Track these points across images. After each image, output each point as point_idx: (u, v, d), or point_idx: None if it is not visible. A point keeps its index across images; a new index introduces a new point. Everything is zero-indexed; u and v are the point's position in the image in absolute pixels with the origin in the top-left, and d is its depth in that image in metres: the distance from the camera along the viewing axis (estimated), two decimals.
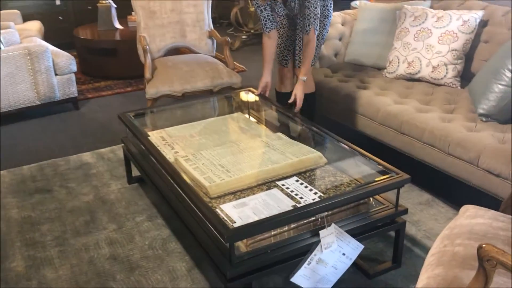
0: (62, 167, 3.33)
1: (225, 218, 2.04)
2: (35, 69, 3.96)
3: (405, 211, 2.24)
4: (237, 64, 5.41)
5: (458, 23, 3.23)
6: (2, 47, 3.97)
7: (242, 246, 1.98)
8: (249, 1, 6.18)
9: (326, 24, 3.15)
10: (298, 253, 2.00)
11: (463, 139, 2.56)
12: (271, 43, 3.08)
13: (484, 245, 1.30)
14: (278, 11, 3.04)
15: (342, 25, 3.91)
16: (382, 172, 2.29)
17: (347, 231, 2.08)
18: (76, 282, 2.28)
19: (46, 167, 3.33)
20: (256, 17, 6.21)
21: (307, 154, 2.50)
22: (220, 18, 7.20)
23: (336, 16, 3.90)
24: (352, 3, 5.19)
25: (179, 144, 2.73)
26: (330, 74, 3.65)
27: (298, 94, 3.00)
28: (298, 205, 2.10)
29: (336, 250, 2.06)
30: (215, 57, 4.05)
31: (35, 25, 4.99)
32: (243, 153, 2.56)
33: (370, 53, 3.73)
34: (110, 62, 4.98)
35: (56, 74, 4.12)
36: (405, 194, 2.92)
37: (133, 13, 5.34)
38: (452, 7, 3.46)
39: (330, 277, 2.09)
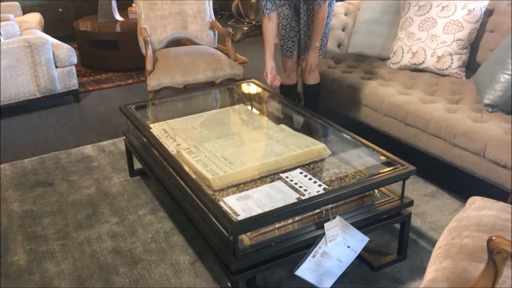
0: (63, 160, 3.30)
1: (229, 211, 2.02)
2: (35, 61, 3.93)
3: (411, 203, 2.21)
4: (239, 55, 5.37)
5: (463, 13, 3.19)
6: (2, 40, 3.94)
7: (246, 239, 1.95)
8: None
9: (330, 12, 3.10)
10: (303, 246, 1.97)
11: (469, 130, 2.53)
12: (272, 25, 3.02)
13: (494, 238, 1.27)
14: None
15: (345, 15, 3.87)
16: (387, 164, 2.26)
17: (352, 224, 2.05)
18: (79, 276, 2.26)
19: (47, 160, 3.31)
20: (257, 9, 6.16)
21: (310, 146, 2.47)
22: (221, 10, 7.14)
23: (339, 6, 3.86)
24: None
25: (181, 136, 2.70)
26: (333, 65, 3.61)
27: (311, 60, 3.03)
28: (303, 198, 2.07)
29: (341, 243, 2.04)
30: (217, 48, 4.01)
31: (35, 17, 4.95)
32: (246, 145, 2.53)
33: (374, 43, 3.69)
34: (111, 54, 4.95)
35: (56, 67, 4.08)
36: (410, 186, 2.89)
37: (133, 4, 5.30)
38: None
39: (334, 269, 2.07)
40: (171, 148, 2.55)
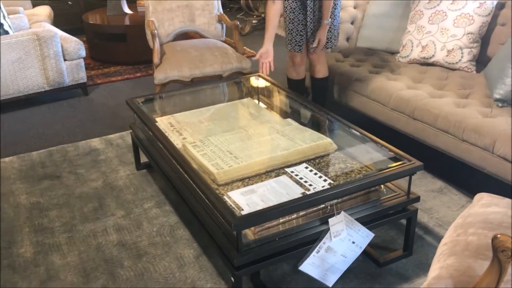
0: (71, 153, 3.32)
1: (233, 205, 2.01)
2: (44, 54, 3.94)
3: (417, 199, 2.19)
4: (247, 49, 5.35)
5: (474, 5, 3.13)
6: (11, 32, 3.95)
7: (249, 233, 1.94)
8: None
9: (337, 4, 3.06)
10: (307, 241, 1.96)
11: (478, 125, 2.49)
12: (275, 9, 2.96)
13: (499, 235, 1.25)
14: None
15: (354, 8, 3.83)
16: (394, 159, 2.23)
17: (357, 219, 2.04)
18: (84, 269, 2.27)
19: (55, 153, 3.32)
20: (266, 2, 6.11)
21: (317, 141, 2.45)
22: (230, 3, 7.11)
23: None
24: None
25: (187, 130, 2.69)
26: (342, 58, 3.57)
27: (321, 37, 2.99)
28: (307, 193, 2.06)
29: (346, 238, 2.02)
30: (225, 41, 3.99)
31: (44, 10, 4.97)
32: (251, 139, 2.52)
33: (383, 37, 3.65)
34: (120, 47, 4.95)
35: (65, 60, 4.09)
36: (418, 181, 2.86)
37: None
38: None
39: (339, 265, 2.05)
40: (177, 142, 2.54)
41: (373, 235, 2.06)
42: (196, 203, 2.18)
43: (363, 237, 2.07)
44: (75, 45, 4.10)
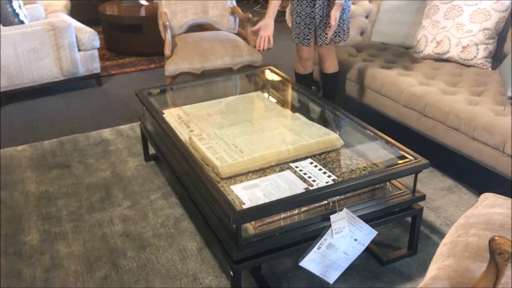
0: (82, 143, 3.35)
1: (235, 199, 2.00)
2: (59, 44, 3.97)
3: (423, 197, 2.15)
4: None
5: (491, 1, 3.06)
6: (26, 22, 3.99)
7: (250, 228, 1.94)
8: None
9: None
10: (308, 237, 1.94)
11: (490, 123, 2.44)
12: None
13: (496, 238, 1.22)
14: None
15: (369, 1, 3.77)
16: (401, 157, 2.20)
17: (361, 216, 2.01)
18: (88, 258, 2.29)
19: (66, 143, 3.36)
20: None
21: (323, 136, 2.43)
22: None
23: None
24: None
25: (195, 123, 2.69)
26: (355, 53, 3.53)
27: (335, 17, 2.86)
28: (311, 188, 2.04)
29: (348, 236, 2.00)
30: (238, 34, 3.97)
31: (61, 1, 5.00)
32: (258, 133, 2.51)
33: (397, 31, 3.59)
34: (135, 38, 4.97)
35: (79, 50, 4.12)
36: (427, 180, 2.82)
37: None
38: None
39: (341, 262, 2.03)
40: (184, 134, 2.54)
41: (376, 232, 2.03)
42: (199, 196, 2.18)
43: (365, 234, 2.04)
44: (90, 36, 4.13)
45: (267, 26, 2.87)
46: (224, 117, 2.77)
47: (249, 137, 2.46)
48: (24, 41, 3.84)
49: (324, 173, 2.18)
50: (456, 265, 1.43)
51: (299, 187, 2.07)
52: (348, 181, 1.99)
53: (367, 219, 2.04)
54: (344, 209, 1.96)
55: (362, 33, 3.76)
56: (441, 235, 2.38)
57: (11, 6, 3.88)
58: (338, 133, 2.48)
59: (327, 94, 3.27)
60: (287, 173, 2.20)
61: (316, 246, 1.95)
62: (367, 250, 2.26)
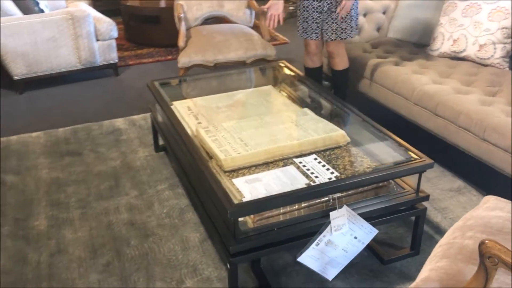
0: (95, 132, 3.40)
1: (235, 192, 2.01)
2: (77, 33, 4.03)
3: (426, 197, 2.12)
4: (280, 36, 5.30)
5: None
6: (47, 11, 4.06)
7: (250, 222, 1.94)
8: None
9: None
10: (307, 233, 1.94)
11: (501, 124, 2.39)
12: None
13: (486, 241, 1.20)
14: None
15: None
16: (407, 156, 2.17)
17: (363, 214, 2.00)
18: (92, 245, 2.33)
19: (80, 131, 3.41)
20: None
21: (329, 132, 2.41)
22: None
23: None
24: None
25: (204, 115, 2.70)
26: (370, 49, 3.49)
27: (346, 3, 2.84)
28: (312, 184, 2.03)
29: (348, 233, 1.99)
30: (254, 27, 3.96)
31: None
32: (264, 128, 2.50)
33: (415, 28, 3.54)
34: (153, 29, 5.00)
35: (97, 40, 4.17)
36: (436, 180, 2.78)
37: None
38: None
39: (340, 259, 2.03)
40: (192, 126, 2.56)
41: (376, 231, 2.02)
42: (202, 188, 2.19)
43: (366, 233, 2.03)
44: (108, 26, 4.18)
45: (276, 4, 2.87)
46: (233, 110, 2.77)
47: (255, 131, 2.46)
48: (43, 29, 3.91)
49: (328, 169, 2.17)
50: (448, 267, 1.41)
51: (301, 183, 2.07)
52: (349, 179, 1.98)
53: (369, 217, 2.02)
54: (344, 206, 1.95)
55: (378, 29, 3.71)
56: None
57: None
58: (345, 130, 2.46)
59: (338, 91, 3.25)
60: (290, 168, 2.20)
61: (315, 242, 1.94)
62: (369, 248, 2.25)
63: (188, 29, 3.73)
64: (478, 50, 3.07)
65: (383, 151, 2.32)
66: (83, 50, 4.10)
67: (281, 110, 2.76)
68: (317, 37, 3.07)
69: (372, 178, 1.99)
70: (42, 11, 4.04)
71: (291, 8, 6.24)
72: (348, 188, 1.99)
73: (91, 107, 3.80)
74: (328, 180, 2.06)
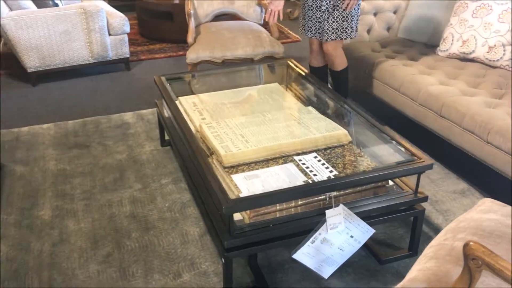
0: (103, 125, 3.45)
1: (233, 188, 2.03)
2: (90, 28, 4.08)
3: (425, 199, 2.12)
4: (293, 34, 5.30)
5: None
6: (61, 5, 4.12)
7: (246, 218, 1.96)
8: None
9: None
10: (303, 230, 1.95)
11: (504, 127, 2.36)
12: None
13: (471, 243, 1.20)
14: None
15: None
16: (408, 156, 2.16)
17: (360, 213, 2.00)
18: (94, 236, 2.37)
19: (89, 124, 3.47)
20: None
21: (331, 131, 2.42)
22: None
23: None
24: None
25: (208, 111, 2.73)
26: (378, 48, 3.47)
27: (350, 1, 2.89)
28: (310, 182, 2.04)
29: (344, 232, 1.99)
30: (263, 24, 3.97)
31: None
32: (267, 125, 2.52)
33: (425, 28, 3.51)
34: (166, 25, 5.04)
35: (109, 34, 4.22)
36: (440, 181, 2.76)
37: None
38: None
39: (336, 258, 2.03)
40: (196, 121, 2.58)
41: (373, 231, 2.02)
42: (202, 183, 2.21)
43: (362, 232, 2.03)
44: (120, 21, 4.22)
45: (278, 1, 2.91)
46: (238, 106, 2.79)
47: (257, 128, 2.48)
48: (57, 23, 3.97)
49: (327, 168, 2.17)
50: (436, 268, 1.41)
51: (299, 180, 2.08)
52: (345, 178, 1.98)
53: (366, 216, 2.03)
54: (341, 205, 1.96)
55: (389, 29, 3.69)
56: None
57: None
58: (348, 129, 2.46)
59: (339, 91, 3.24)
60: (290, 165, 2.21)
61: (310, 240, 1.95)
62: (367, 248, 2.25)
63: (198, 25, 3.75)
64: (487, 52, 3.04)
65: (384, 151, 2.32)
66: (95, 44, 4.16)
67: (285, 107, 2.76)
68: (319, 36, 3.07)
69: (369, 178, 1.99)
70: (56, 5, 4.11)
71: None
72: (344, 187, 1.99)
73: (102, 101, 3.85)
74: (326, 179, 2.07)
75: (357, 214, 1.99)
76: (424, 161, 2.06)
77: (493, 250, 1.33)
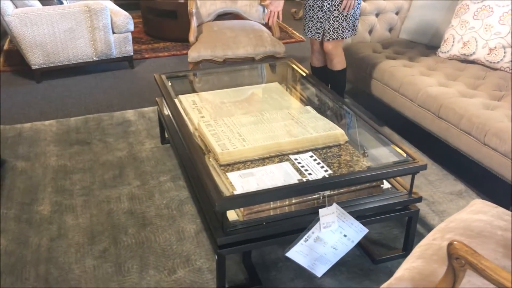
0: (105, 122, 3.48)
1: (228, 186, 2.05)
2: (94, 26, 4.12)
3: (419, 199, 2.12)
4: (297, 33, 5.31)
5: None
6: (65, 3, 4.16)
7: (240, 215, 1.98)
8: None
9: None
10: (296, 229, 1.96)
11: (501, 129, 2.36)
12: None
13: (455, 242, 1.21)
14: None
15: None
16: (404, 157, 2.17)
17: (354, 213, 2.01)
18: (91, 231, 2.40)
19: (90, 121, 3.50)
20: None
21: (328, 131, 2.43)
22: None
23: None
24: None
25: (207, 109, 2.75)
26: (380, 49, 3.48)
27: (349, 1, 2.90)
28: (304, 180, 2.06)
29: (337, 231, 2.00)
30: (266, 24, 3.98)
31: None
32: (264, 124, 2.53)
33: (426, 30, 3.51)
34: (170, 24, 5.07)
35: (113, 32, 4.26)
36: (438, 182, 2.76)
37: None
38: None
39: (329, 257, 2.04)
40: (195, 119, 2.60)
41: (367, 230, 2.03)
42: (198, 181, 2.23)
43: (356, 231, 2.04)
44: (124, 19, 4.25)
45: (278, 2, 2.95)
46: (237, 105, 2.81)
47: (254, 127, 2.49)
48: (61, 20, 4.01)
49: (322, 167, 2.19)
50: (422, 268, 1.42)
51: (293, 179, 2.09)
52: (338, 177, 2.00)
53: (360, 216, 2.04)
54: (334, 204, 1.97)
55: (391, 30, 3.69)
56: None
57: None
58: (345, 129, 2.47)
59: (336, 91, 3.24)
60: (285, 164, 2.22)
61: (303, 238, 1.97)
62: (361, 247, 2.26)
63: (200, 24, 3.77)
64: (488, 54, 3.04)
65: (380, 151, 2.33)
66: (99, 42, 4.19)
67: (284, 107, 2.78)
68: (320, 36, 3.08)
69: (362, 178, 2.00)
70: (61, 3, 4.15)
71: None
72: (337, 186, 2.01)
73: (104, 98, 3.89)
74: (318, 178, 2.08)
75: (351, 213, 2.00)
76: (418, 162, 2.07)
77: (480, 250, 1.34)
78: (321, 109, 2.74)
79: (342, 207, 1.98)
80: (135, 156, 3.05)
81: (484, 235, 1.50)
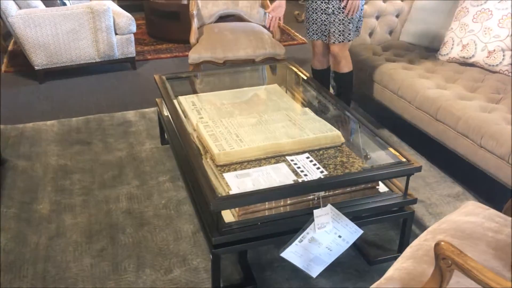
0: (106, 123, 3.50)
1: (224, 186, 2.06)
2: (96, 27, 4.15)
3: (414, 201, 2.13)
4: (299, 36, 5.32)
5: None
6: (68, 4, 4.20)
7: (235, 215, 1.99)
8: None
9: None
10: (291, 229, 1.98)
11: (498, 132, 2.37)
12: None
13: (442, 242, 1.22)
14: None
15: (402, 0, 3.70)
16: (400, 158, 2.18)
17: (348, 214, 2.02)
18: (89, 230, 2.42)
19: (91, 121, 3.53)
20: None
21: (325, 132, 2.44)
22: None
23: None
24: None
25: (206, 110, 2.77)
26: (380, 52, 3.49)
27: (353, 3, 2.92)
28: (299, 181, 2.07)
29: (332, 232, 2.02)
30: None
31: None
32: (262, 125, 2.55)
33: (426, 32, 3.52)
34: (173, 25, 5.10)
35: (116, 34, 4.29)
36: (435, 185, 2.77)
37: None
38: None
39: (324, 257, 2.06)
40: (193, 120, 2.62)
41: (361, 231, 2.04)
42: (195, 181, 2.25)
43: (350, 232, 2.05)
44: (127, 20, 4.29)
45: (279, 6, 2.99)
46: (236, 107, 2.82)
47: (252, 128, 2.51)
48: (64, 22, 4.04)
49: (318, 168, 2.20)
50: (412, 268, 1.43)
51: (289, 180, 2.11)
52: (333, 178, 2.01)
53: (355, 217, 2.05)
54: (329, 205, 1.98)
55: (391, 32, 3.70)
56: None
57: None
58: (342, 131, 2.48)
59: (343, 94, 3.26)
60: (281, 165, 2.24)
61: (298, 239, 1.98)
62: (357, 248, 2.28)
63: (201, 26, 3.80)
64: (487, 57, 3.04)
65: (376, 153, 2.34)
66: (102, 43, 4.23)
67: (282, 108, 2.79)
68: (325, 39, 3.09)
69: (356, 179, 2.01)
70: (64, 4, 4.18)
71: None
72: (332, 187, 2.02)
73: (106, 99, 3.92)
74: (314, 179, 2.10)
75: (346, 214, 2.01)
76: (413, 164, 2.08)
77: (471, 252, 1.36)
78: (319, 111, 2.75)
79: (337, 208, 2.00)
80: (135, 156, 3.08)
81: (475, 236, 1.51)
